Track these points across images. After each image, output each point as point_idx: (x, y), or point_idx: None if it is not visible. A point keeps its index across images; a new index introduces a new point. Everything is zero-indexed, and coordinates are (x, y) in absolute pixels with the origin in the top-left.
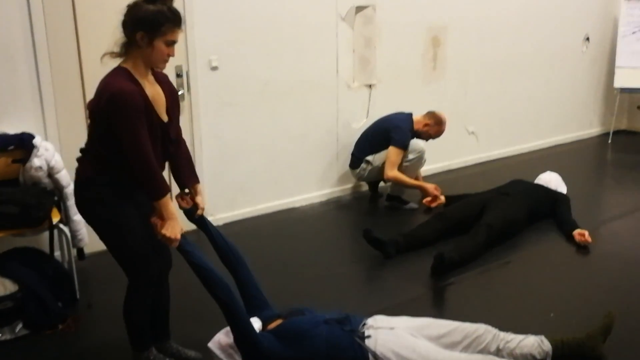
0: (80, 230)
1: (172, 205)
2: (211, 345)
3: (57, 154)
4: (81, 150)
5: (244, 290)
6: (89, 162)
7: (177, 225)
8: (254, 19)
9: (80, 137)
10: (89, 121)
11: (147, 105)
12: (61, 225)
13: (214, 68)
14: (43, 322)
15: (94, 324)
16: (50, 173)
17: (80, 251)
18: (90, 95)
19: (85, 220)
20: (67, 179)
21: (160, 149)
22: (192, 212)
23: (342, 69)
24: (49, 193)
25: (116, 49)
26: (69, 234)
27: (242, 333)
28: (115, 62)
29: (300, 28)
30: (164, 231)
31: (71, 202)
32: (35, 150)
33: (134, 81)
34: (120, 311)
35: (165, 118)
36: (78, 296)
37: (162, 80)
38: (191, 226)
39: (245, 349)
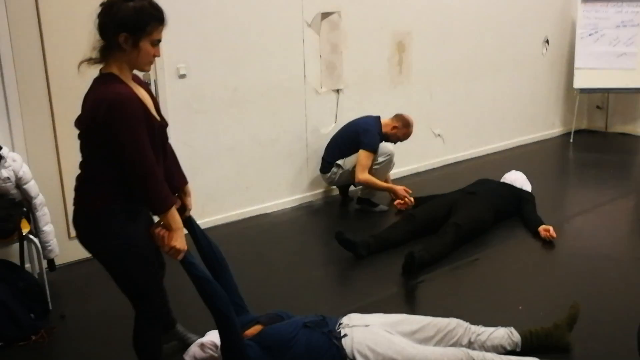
0: (50, 241)
1: (177, 215)
2: (187, 357)
3: (25, 165)
4: (78, 179)
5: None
6: (92, 191)
7: (183, 235)
8: (221, 26)
9: (47, 147)
10: (79, 143)
11: (145, 109)
12: (31, 237)
13: (182, 76)
14: (15, 334)
15: (67, 335)
16: (19, 184)
17: (51, 262)
18: (58, 104)
19: (96, 255)
20: (35, 189)
21: (161, 153)
22: (181, 213)
23: (310, 74)
24: (17, 204)
25: (94, 55)
26: (39, 245)
27: (233, 344)
28: (91, 71)
29: (267, 35)
30: (173, 243)
31: (40, 213)
32: (2, 162)
33: (126, 86)
34: (94, 321)
35: (158, 118)
36: (50, 307)
37: (140, 83)
38: None
39: (231, 359)
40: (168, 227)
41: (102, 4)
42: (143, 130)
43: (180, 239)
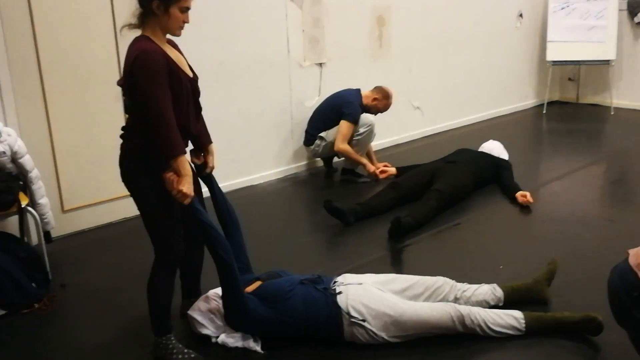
0: (47, 214)
1: (187, 163)
2: (191, 312)
3: (19, 139)
4: (123, 128)
5: (234, 253)
6: (131, 138)
7: (192, 181)
8: (206, 1)
9: (39, 123)
10: (124, 98)
11: (172, 64)
12: (29, 209)
13: None
14: (20, 302)
15: (68, 303)
16: (14, 158)
17: (47, 234)
18: (47, 80)
19: (131, 193)
20: (31, 163)
21: (192, 105)
22: (202, 169)
23: (293, 48)
24: (14, 177)
25: (133, 21)
26: (37, 217)
27: (233, 293)
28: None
29: (250, 9)
30: (180, 187)
31: (36, 186)
32: None
33: (154, 44)
34: (93, 289)
35: (191, 74)
36: (50, 277)
37: (175, 46)
38: None
39: (232, 309)
40: (178, 173)
41: None
42: (162, 81)
43: (187, 185)
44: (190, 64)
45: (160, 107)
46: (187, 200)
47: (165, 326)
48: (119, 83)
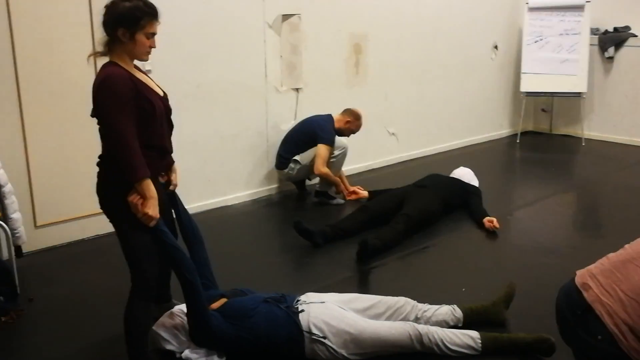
0: (19, 229)
1: (152, 185)
2: (155, 328)
3: None
4: (99, 157)
5: (198, 270)
6: (106, 165)
7: (157, 204)
8: (186, 25)
9: (15, 138)
10: (99, 127)
11: (140, 86)
12: (1, 223)
13: (147, 71)
14: None
15: (35, 317)
16: None
17: (18, 249)
18: (25, 96)
19: (110, 219)
20: (4, 178)
21: (166, 123)
22: (166, 187)
23: (271, 73)
24: None
25: (100, 49)
26: (9, 231)
27: (198, 312)
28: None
29: (229, 34)
30: (146, 209)
31: (9, 201)
32: None
33: (120, 68)
34: (62, 305)
35: (161, 93)
36: (19, 291)
37: (141, 71)
38: None
39: (196, 326)
40: (143, 196)
41: (105, 6)
42: (126, 105)
43: (153, 207)
44: (167, 84)
45: (121, 129)
46: (153, 223)
47: (142, 354)
48: (92, 114)
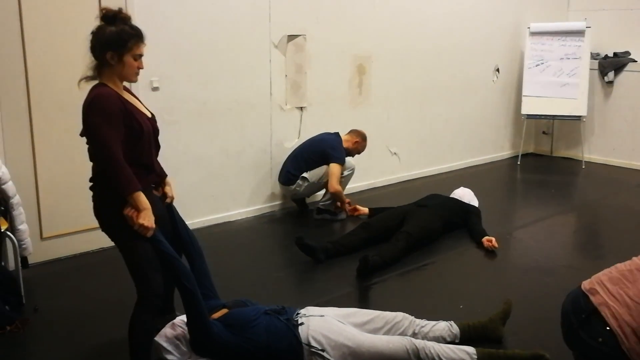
0: (25, 240)
1: (144, 197)
2: (157, 339)
3: (3, 166)
4: (91, 179)
5: (198, 280)
6: (100, 185)
7: (152, 215)
8: (194, 44)
9: (24, 152)
10: (88, 147)
11: (129, 107)
12: (9, 233)
13: (155, 89)
14: None
15: (40, 327)
16: None
17: (24, 260)
18: (35, 111)
19: (112, 238)
20: (13, 189)
21: (153, 143)
22: (162, 200)
23: (276, 92)
24: None
25: (90, 73)
26: (16, 242)
27: (198, 320)
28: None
29: (236, 53)
30: (141, 221)
31: (17, 212)
32: None
33: (109, 88)
34: (67, 315)
35: (149, 114)
36: (24, 301)
37: (131, 92)
38: None
39: (197, 335)
40: (136, 208)
41: (91, 32)
42: (115, 123)
43: (147, 218)
44: (175, 102)
45: (111, 145)
46: (150, 233)
47: None
48: (82, 134)
